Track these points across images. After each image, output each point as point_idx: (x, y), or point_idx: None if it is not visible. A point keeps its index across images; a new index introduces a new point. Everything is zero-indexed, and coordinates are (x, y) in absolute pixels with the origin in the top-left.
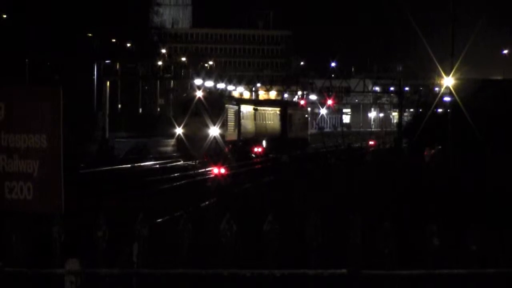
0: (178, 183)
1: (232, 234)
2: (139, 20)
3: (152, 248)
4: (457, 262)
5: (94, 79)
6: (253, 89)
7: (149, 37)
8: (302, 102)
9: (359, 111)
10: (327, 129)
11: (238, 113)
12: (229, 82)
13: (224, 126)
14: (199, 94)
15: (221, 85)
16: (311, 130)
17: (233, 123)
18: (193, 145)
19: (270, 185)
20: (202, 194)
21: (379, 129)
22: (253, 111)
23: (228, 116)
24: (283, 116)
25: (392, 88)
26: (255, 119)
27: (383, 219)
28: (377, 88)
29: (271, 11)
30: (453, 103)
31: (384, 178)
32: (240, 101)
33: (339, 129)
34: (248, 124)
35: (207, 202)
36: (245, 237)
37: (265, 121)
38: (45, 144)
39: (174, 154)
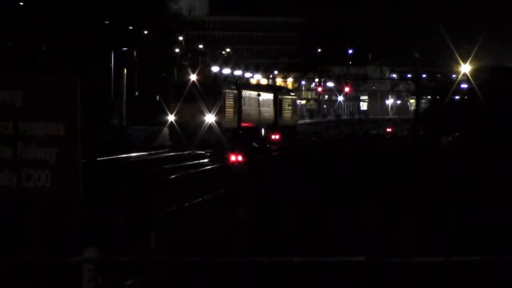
0: (194, 171)
1: (249, 221)
2: (156, 7)
3: (169, 235)
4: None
5: (111, 66)
6: (270, 76)
7: (166, 24)
8: (319, 89)
9: (376, 98)
10: (344, 116)
11: (238, 98)
12: (246, 69)
13: (221, 112)
14: (193, 78)
15: (238, 72)
16: (329, 117)
17: (232, 110)
18: (187, 133)
19: (287, 170)
20: (219, 181)
21: (396, 116)
22: (256, 97)
23: (226, 102)
24: (275, 102)
25: (409, 75)
26: (259, 105)
27: (400, 206)
28: (394, 75)
29: None
30: (469, 90)
31: (401, 165)
32: (241, 85)
33: (356, 117)
34: (250, 111)
35: (224, 190)
36: (263, 224)
37: (264, 107)
38: (63, 132)
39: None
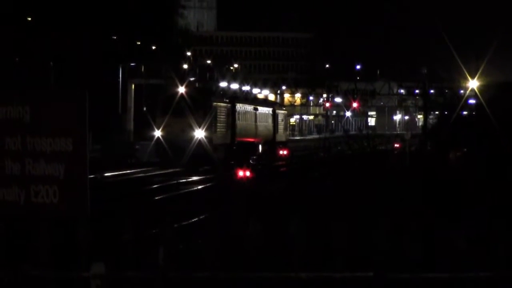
0: (200, 186)
1: (258, 236)
2: (164, 22)
3: (178, 251)
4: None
5: (119, 81)
6: (278, 91)
7: (174, 40)
8: (327, 104)
9: (384, 113)
10: (352, 132)
11: (232, 112)
12: (254, 85)
13: (211, 127)
14: (181, 90)
15: (246, 88)
16: (337, 133)
17: (224, 124)
18: (175, 149)
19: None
20: (227, 196)
21: (404, 132)
22: (252, 111)
23: (218, 116)
24: (274, 117)
25: (417, 91)
26: (255, 120)
27: (408, 221)
28: (402, 91)
29: (296, 13)
30: (477, 105)
31: (406, 179)
32: (236, 99)
33: (364, 132)
34: (245, 126)
35: (232, 205)
36: (271, 239)
37: (261, 122)
38: (71, 147)
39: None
